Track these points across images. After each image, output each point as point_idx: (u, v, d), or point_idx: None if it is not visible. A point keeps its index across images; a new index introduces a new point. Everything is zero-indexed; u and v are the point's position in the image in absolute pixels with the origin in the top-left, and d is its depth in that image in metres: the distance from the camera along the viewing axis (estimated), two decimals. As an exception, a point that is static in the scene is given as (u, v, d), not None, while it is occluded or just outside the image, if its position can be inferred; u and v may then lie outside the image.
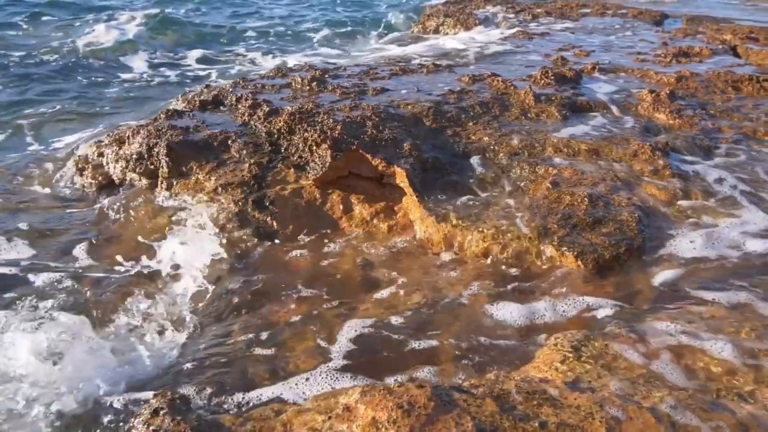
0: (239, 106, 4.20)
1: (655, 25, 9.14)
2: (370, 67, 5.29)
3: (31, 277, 2.94)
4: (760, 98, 4.73)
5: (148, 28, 9.73)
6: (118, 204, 3.67)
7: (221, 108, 4.38)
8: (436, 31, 9.64)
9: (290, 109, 3.83)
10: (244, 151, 3.67)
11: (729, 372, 2.00)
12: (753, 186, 3.34)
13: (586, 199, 3.08)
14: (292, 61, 8.02)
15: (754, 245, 2.84)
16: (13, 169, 4.30)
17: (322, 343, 2.36)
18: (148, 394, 1.98)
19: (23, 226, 3.44)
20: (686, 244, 2.91)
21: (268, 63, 8.55)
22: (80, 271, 3.00)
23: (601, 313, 2.51)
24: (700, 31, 8.35)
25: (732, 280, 2.65)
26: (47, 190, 3.98)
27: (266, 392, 2.07)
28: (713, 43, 7.04)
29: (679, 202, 3.18)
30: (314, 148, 3.51)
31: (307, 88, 4.57)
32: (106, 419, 2.05)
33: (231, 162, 3.62)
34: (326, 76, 4.86)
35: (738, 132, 4.07)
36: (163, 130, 3.82)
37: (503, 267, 2.86)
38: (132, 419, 1.88)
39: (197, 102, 4.39)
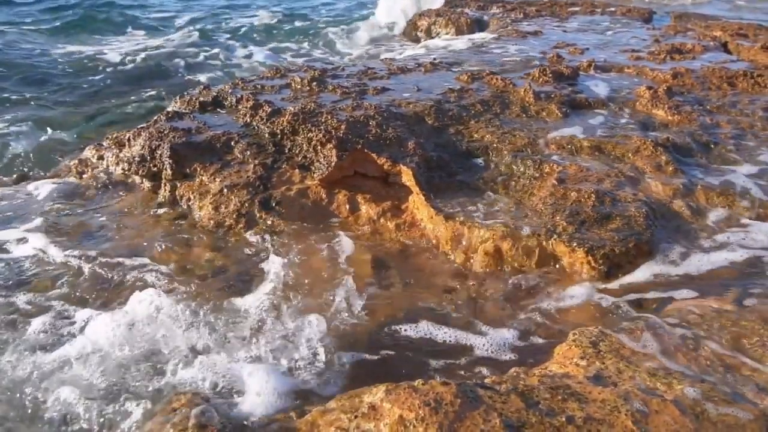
0: (240, 107, 4.19)
1: (644, 23, 9.23)
2: (367, 66, 5.29)
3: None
4: (755, 94, 4.79)
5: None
6: (119, 207, 3.65)
7: (220, 109, 4.36)
8: (428, 30, 9.66)
9: (293, 109, 3.82)
10: (248, 152, 3.66)
11: (745, 365, 2.03)
12: (756, 180, 3.38)
13: (593, 195, 3.09)
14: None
15: (763, 242, 2.87)
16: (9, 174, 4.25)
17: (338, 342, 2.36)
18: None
19: (25, 230, 3.41)
20: (693, 239, 2.95)
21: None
22: (85, 275, 2.97)
23: (614, 309, 2.54)
24: (689, 28, 8.44)
25: (740, 276, 2.68)
26: (46, 194, 3.93)
27: (289, 391, 2.06)
28: (704, 40, 7.12)
29: (684, 198, 3.21)
30: (319, 148, 3.50)
31: (307, 88, 4.56)
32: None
33: (235, 163, 3.61)
34: (325, 76, 4.85)
35: (736, 127, 4.11)
36: (165, 132, 3.79)
37: (513, 264, 2.88)
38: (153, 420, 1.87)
39: (197, 103, 4.36)
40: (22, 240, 3.32)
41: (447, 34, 9.12)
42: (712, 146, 3.86)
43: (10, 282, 2.93)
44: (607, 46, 6.71)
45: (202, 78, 7.87)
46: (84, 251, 3.16)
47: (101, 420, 2.01)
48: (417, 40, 9.84)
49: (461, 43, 7.22)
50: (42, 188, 4.00)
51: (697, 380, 1.92)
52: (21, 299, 2.76)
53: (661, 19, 10.03)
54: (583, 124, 4.08)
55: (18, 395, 2.17)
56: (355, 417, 1.80)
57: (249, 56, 9.06)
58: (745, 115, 4.33)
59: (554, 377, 1.95)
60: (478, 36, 8.04)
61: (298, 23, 11.75)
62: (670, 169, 3.46)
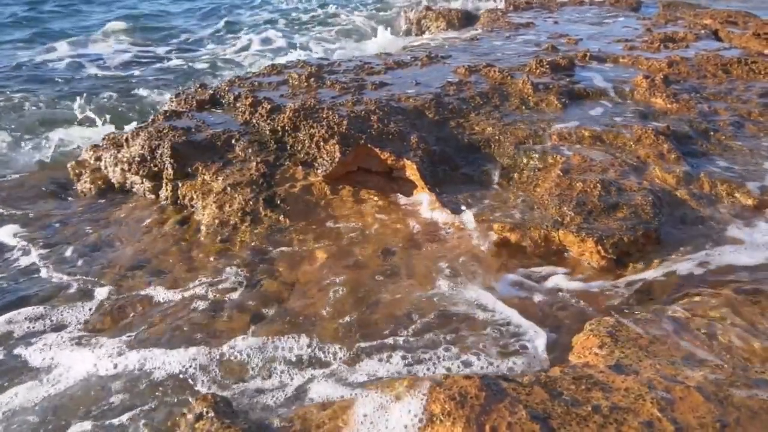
0: (238, 105, 4.15)
1: (633, 12, 9.26)
2: (364, 61, 5.26)
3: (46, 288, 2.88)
4: (750, 80, 4.82)
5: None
6: (118, 208, 3.61)
7: (218, 107, 4.32)
8: (419, 24, 9.63)
9: (293, 105, 3.79)
10: (249, 150, 3.63)
11: (762, 350, 2.04)
12: (757, 167, 3.40)
13: (598, 185, 3.10)
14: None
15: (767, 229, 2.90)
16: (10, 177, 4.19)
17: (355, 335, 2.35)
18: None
19: (21, 235, 3.37)
20: (699, 226, 2.96)
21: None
22: (92, 280, 2.93)
23: (626, 298, 2.54)
24: (678, 16, 8.48)
25: (748, 263, 2.70)
26: (46, 196, 3.89)
27: (309, 388, 2.05)
28: (695, 28, 7.15)
29: (688, 185, 3.22)
30: (322, 144, 3.48)
31: (305, 84, 4.53)
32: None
33: (237, 161, 3.58)
34: (322, 72, 4.82)
35: (734, 114, 4.13)
36: (164, 131, 3.75)
37: (521, 255, 2.87)
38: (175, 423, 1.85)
39: (194, 102, 4.31)
40: (18, 244, 3.27)
41: (438, 27, 9.09)
42: (712, 133, 3.87)
43: (8, 291, 2.88)
44: (599, 36, 6.72)
45: (198, 75, 7.79)
46: (85, 254, 3.13)
47: (132, 413, 2.00)
48: (408, 34, 9.81)
49: (454, 36, 7.20)
50: (40, 190, 3.96)
51: (717, 366, 1.93)
52: (20, 310, 2.70)
53: (648, 7, 10.07)
54: (583, 114, 4.09)
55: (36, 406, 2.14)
56: (380, 413, 1.79)
57: (242, 53, 9.00)
58: (742, 102, 4.35)
59: (575, 367, 1.95)
60: (471, 29, 8.03)
61: (285, 21, 11.69)
62: (673, 157, 3.47)
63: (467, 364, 2.17)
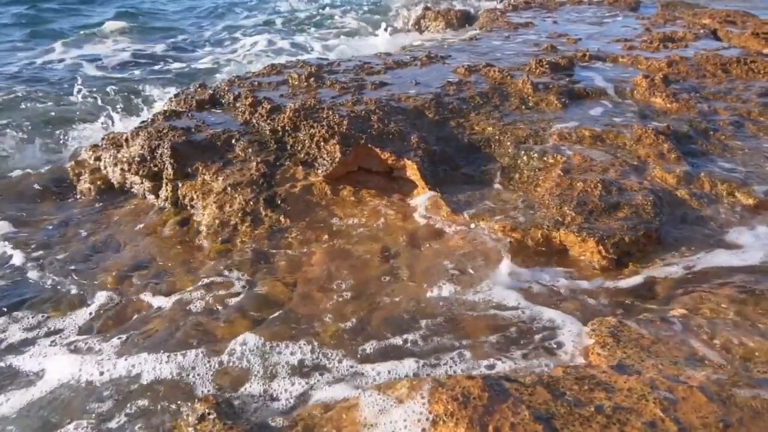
0: (238, 105, 4.14)
1: (631, 12, 9.27)
2: (363, 61, 5.26)
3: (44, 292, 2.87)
4: (749, 80, 4.82)
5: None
6: (121, 209, 3.61)
7: (218, 107, 4.31)
8: (418, 24, 9.63)
9: (293, 105, 3.79)
10: (250, 150, 3.62)
11: (764, 351, 2.04)
12: (756, 166, 3.40)
13: (599, 185, 3.10)
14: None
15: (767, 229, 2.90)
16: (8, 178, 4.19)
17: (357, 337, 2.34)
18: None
19: (19, 238, 3.36)
20: (700, 226, 2.96)
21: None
22: (90, 282, 2.93)
23: (626, 298, 2.54)
24: (677, 16, 8.49)
25: (749, 262, 2.70)
26: (45, 196, 3.88)
27: (312, 392, 2.04)
28: (694, 28, 7.16)
29: (689, 185, 3.22)
30: (322, 144, 3.48)
31: (305, 84, 4.52)
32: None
33: (237, 161, 3.57)
34: (322, 72, 4.81)
35: (734, 113, 4.14)
36: (164, 131, 3.74)
37: (523, 255, 2.87)
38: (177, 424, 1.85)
39: (193, 102, 4.30)
40: (16, 245, 3.26)
41: (437, 27, 9.09)
42: (712, 133, 3.88)
43: (3, 293, 2.86)
44: (599, 36, 6.72)
45: (198, 75, 7.79)
46: (84, 255, 3.12)
47: (130, 417, 1.99)
48: (407, 34, 9.81)
49: (453, 36, 7.20)
50: (39, 189, 3.95)
51: (719, 366, 1.93)
52: (15, 313, 2.69)
53: (647, 7, 10.08)
54: (584, 114, 4.09)
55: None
56: (382, 413, 1.78)
57: (241, 53, 9.00)
58: (741, 101, 4.36)
59: (578, 367, 1.95)
60: (470, 29, 8.03)
61: (284, 21, 11.70)
62: (673, 156, 3.48)
63: (482, 364, 2.17)
